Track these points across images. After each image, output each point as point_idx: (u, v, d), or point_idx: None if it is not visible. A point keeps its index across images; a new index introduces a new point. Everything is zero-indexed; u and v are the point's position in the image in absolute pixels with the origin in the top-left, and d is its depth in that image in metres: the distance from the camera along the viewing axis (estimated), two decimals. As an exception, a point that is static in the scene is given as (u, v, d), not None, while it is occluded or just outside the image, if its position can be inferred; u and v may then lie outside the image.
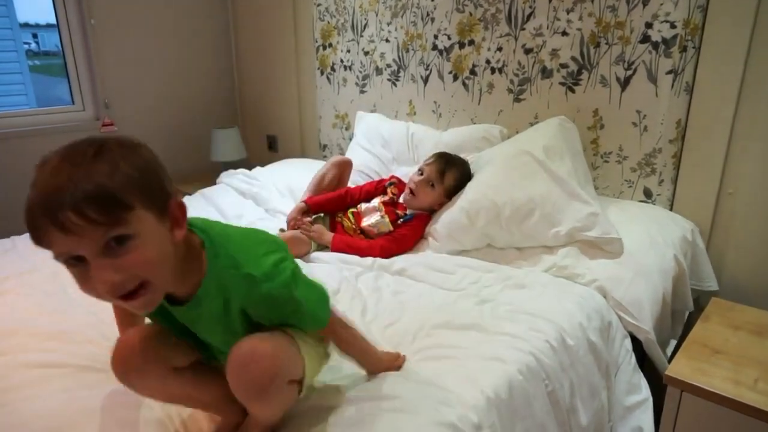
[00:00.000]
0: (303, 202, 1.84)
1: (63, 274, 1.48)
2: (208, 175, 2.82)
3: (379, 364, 1.05)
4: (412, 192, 1.73)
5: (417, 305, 1.34)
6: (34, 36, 9.11)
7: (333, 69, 2.53)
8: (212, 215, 1.98)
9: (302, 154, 2.87)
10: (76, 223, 0.63)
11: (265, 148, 3.07)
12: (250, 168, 2.43)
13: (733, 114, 1.57)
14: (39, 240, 0.66)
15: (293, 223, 1.78)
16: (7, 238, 1.83)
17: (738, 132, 1.59)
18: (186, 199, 2.10)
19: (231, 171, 2.40)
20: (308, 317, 0.89)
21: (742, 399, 1.16)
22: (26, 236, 1.85)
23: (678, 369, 1.26)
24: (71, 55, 2.65)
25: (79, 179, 0.63)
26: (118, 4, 2.67)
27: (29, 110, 2.65)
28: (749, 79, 1.53)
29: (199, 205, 2.11)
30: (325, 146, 2.72)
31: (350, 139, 2.48)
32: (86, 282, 0.68)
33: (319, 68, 2.60)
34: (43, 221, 0.63)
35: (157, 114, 2.90)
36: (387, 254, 1.63)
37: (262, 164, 2.48)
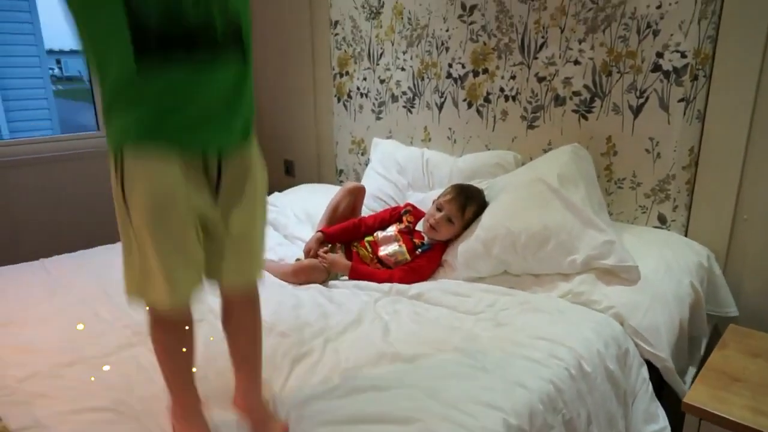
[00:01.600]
0: (319, 232, 1.88)
1: (93, 298, 1.54)
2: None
3: None
4: (432, 227, 1.76)
5: (435, 327, 1.37)
6: (57, 62, 9.41)
7: (350, 96, 2.60)
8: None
9: (319, 179, 2.92)
10: None
11: (282, 173, 3.13)
12: (268, 193, 2.48)
13: (746, 140, 1.59)
14: None
15: (312, 253, 1.81)
16: (36, 261, 1.89)
17: (751, 158, 1.60)
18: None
19: (250, 196, 2.45)
20: None
21: (761, 428, 1.16)
22: (55, 258, 1.90)
23: (696, 397, 1.26)
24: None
25: None
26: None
27: (56, 136, 2.75)
28: (761, 106, 1.55)
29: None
30: (341, 171, 2.77)
31: (366, 165, 2.53)
32: None
33: (336, 95, 2.66)
34: None
35: (178, 140, 2.98)
36: (404, 283, 1.66)
37: (280, 189, 2.53)
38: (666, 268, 1.55)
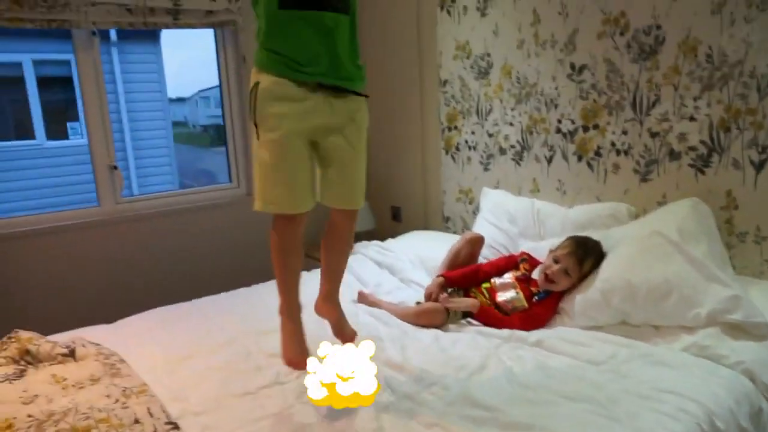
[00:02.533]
0: (441, 276, 2.02)
1: (242, 338, 1.77)
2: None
3: None
4: (549, 279, 1.83)
5: (560, 375, 1.45)
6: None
7: (458, 149, 2.76)
8: (354, 285, 2.20)
9: (425, 225, 3.08)
10: None
11: (389, 219, 3.33)
12: (379, 238, 2.68)
13: None
14: None
15: (433, 296, 1.95)
16: (187, 302, 2.17)
17: None
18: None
19: (365, 242, 2.66)
20: None
21: None
22: (204, 300, 2.16)
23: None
24: (232, 142, 3.12)
25: None
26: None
27: (194, 189, 3.12)
28: None
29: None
30: (448, 218, 2.92)
31: (474, 213, 2.66)
32: None
33: (444, 148, 2.84)
34: None
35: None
36: (524, 330, 1.75)
37: (388, 233, 2.72)
38: (798, 325, 1.53)
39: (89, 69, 2.65)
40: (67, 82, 6.67)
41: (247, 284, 2.35)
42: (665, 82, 1.92)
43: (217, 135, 8.67)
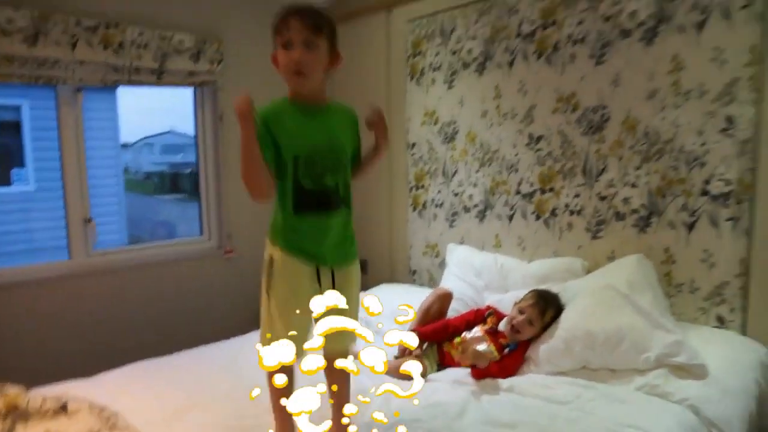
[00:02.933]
0: (413, 331, 2.16)
1: (233, 392, 1.83)
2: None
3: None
4: (515, 329, 2.01)
5: (535, 414, 1.62)
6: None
7: (424, 206, 2.98)
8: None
9: (391, 278, 3.24)
10: (304, 23, 1.37)
11: (357, 271, 3.46)
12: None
13: (790, 254, 1.87)
14: (282, 26, 1.39)
15: (407, 351, 2.08)
16: (168, 356, 2.20)
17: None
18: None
19: (338, 294, 2.77)
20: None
21: None
22: (186, 353, 2.21)
23: (772, 482, 1.45)
24: (205, 197, 3.21)
25: (315, 11, 1.42)
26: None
27: (165, 243, 3.16)
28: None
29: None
30: (414, 272, 3.09)
31: (440, 267, 2.85)
32: (285, 57, 1.39)
33: (411, 205, 3.05)
34: (293, 18, 1.38)
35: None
36: (500, 378, 1.91)
37: (363, 287, 2.85)
38: (730, 364, 1.78)
39: (71, 122, 2.71)
40: (12, 127, 6.52)
41: (224, 337, 2.42)
42: (611, 153, 2.22)
43: (161, 183, 8.59)
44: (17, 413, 1.64)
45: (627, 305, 1.90)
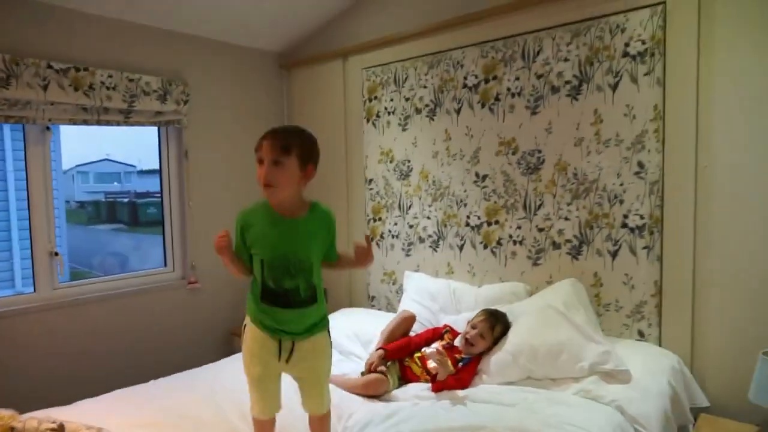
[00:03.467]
0: (381, 349, 2.38)
1: (218, 416, 1.97)
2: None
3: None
4: (468, 342, 2.29)
5: (489, 415, 1.87)
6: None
7: (382, 237, 3.23)
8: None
9: (350, 303, 3.45)
10: (272, 145, 1.58)
11: (316, 299, 3.64)
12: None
13: (692, 275, 2.23)
14: (258, 146, 1.62)
15: (373, 367, 2.30)
16: (144, 384, 2.30)
17: (699, 285, 2.22)
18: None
19: (303, 321, 2.95)
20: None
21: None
22: (164, 379, 2.34)
23: (683, 465, 1.76)
24: (169, 230, 3.32)
25: (288, 133, 1.65)
26: (210, 188, 3.40)
27: (129, 274, 3.24)
28: (699, 249, 2.21)
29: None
30: (373, 297, 3.32)
31: (397, 293, 3.09)
32: (258, 171, 1.61)
33: (370, 236, 3.29)
34: (265, 140, 1.60)
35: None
36: (455, 389, 2.15)
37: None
38: (648, 370, 2.10)
39: (38, 160, 2.79)
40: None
41: (190, 365, 2.54)
42: (546, 191, 2.56)
43: (96, 212, 8.39)
44: (13, 437, 1.71)
45: (564, 322, 2.21)
